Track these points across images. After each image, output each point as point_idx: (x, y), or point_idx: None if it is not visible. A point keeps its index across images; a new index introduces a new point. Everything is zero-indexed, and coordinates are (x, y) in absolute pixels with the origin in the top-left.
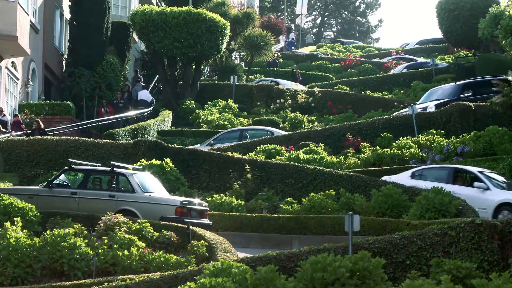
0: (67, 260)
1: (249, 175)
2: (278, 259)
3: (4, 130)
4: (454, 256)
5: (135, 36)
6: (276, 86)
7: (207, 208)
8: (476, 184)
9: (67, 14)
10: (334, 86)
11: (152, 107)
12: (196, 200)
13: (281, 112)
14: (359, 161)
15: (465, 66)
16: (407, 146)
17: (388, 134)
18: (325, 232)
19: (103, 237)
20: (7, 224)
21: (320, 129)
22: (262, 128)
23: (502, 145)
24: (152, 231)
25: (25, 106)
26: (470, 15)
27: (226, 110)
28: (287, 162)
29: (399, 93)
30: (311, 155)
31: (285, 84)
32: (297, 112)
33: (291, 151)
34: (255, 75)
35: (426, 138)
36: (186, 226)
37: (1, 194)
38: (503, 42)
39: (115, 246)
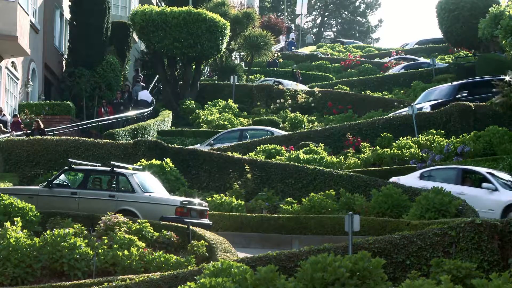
0: (67, 260)
1: (249, 175)
2: (278, 259)
3: (5, 129)
4: (454, 256)
5: (135, 36)
6: (276, 86)
7: (207, 208)
8: (484, 185)
9: (67, 14)
10: (334, 86)
11: (152, 107)
12: (196, 200)
13: (281, 112)
14: (359, 161)
15: (465, 66)
16: (407, 146)
17: (388, 134)
18: (325, 232)
19: (103, 237)
20: (7, 224)
21: (320, 129)
22: (262, 128)
23: (502, 145)
24: (152, 231)
25: (25, 106)
26: (470, 15)
27: (226, 110)
28: (287, 162)
29: (399, 93)
30: (311, 155)
31: (289, 84)
32: (297, 112)
33: (291, 151)
34: (255, 75)
35: (426, 138)
36: (186, 226)
37: (1, 194)
38: (503, 42)
39: (115, 246)
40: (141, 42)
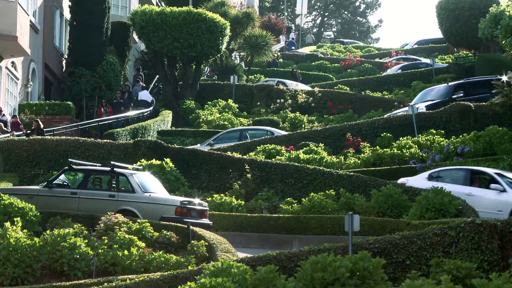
0: (67, 260)
1: (249, 175)
2: (278, 259)
3: (5, 129)
4: (454, 256)
5: (135, 36)
6: (276, 86)
7: (207, 208)
8: (492, 186)
9: (67, 14)
10: (334, 86)
11: (152, 107)
12: (196, 200)
13: (281, 112)
14: (359, 161)
15: (465, 66)
16: (407, 146)
17: (388, 134)
18: (325, 232)
19: (103, 237)
20: (7, 224)
21: (320, 129)
22: (262, 128)
23: (502, 145)
24: (152, 231)
25: (25, 106)
26: (470, 15)
27: (226, 110)
28: (287, 162)
29: (399, 93)
30: (311, 155)
31: (291, 84)
32: (297, 112)
33: (291, 151)
34: (255, 75)
35: (426, 138)
36: (186, 226)
37: (1, 194)
38: (503, 42)
39: (115, 246)
40: (141, 42)
